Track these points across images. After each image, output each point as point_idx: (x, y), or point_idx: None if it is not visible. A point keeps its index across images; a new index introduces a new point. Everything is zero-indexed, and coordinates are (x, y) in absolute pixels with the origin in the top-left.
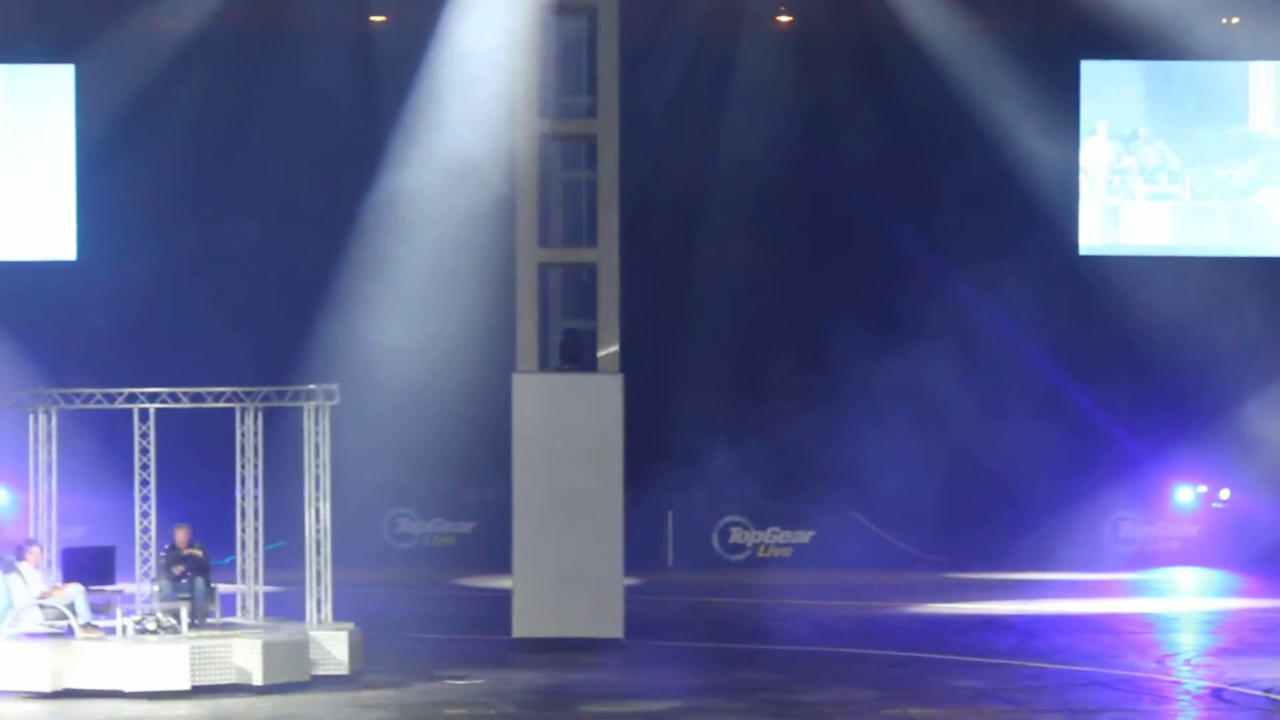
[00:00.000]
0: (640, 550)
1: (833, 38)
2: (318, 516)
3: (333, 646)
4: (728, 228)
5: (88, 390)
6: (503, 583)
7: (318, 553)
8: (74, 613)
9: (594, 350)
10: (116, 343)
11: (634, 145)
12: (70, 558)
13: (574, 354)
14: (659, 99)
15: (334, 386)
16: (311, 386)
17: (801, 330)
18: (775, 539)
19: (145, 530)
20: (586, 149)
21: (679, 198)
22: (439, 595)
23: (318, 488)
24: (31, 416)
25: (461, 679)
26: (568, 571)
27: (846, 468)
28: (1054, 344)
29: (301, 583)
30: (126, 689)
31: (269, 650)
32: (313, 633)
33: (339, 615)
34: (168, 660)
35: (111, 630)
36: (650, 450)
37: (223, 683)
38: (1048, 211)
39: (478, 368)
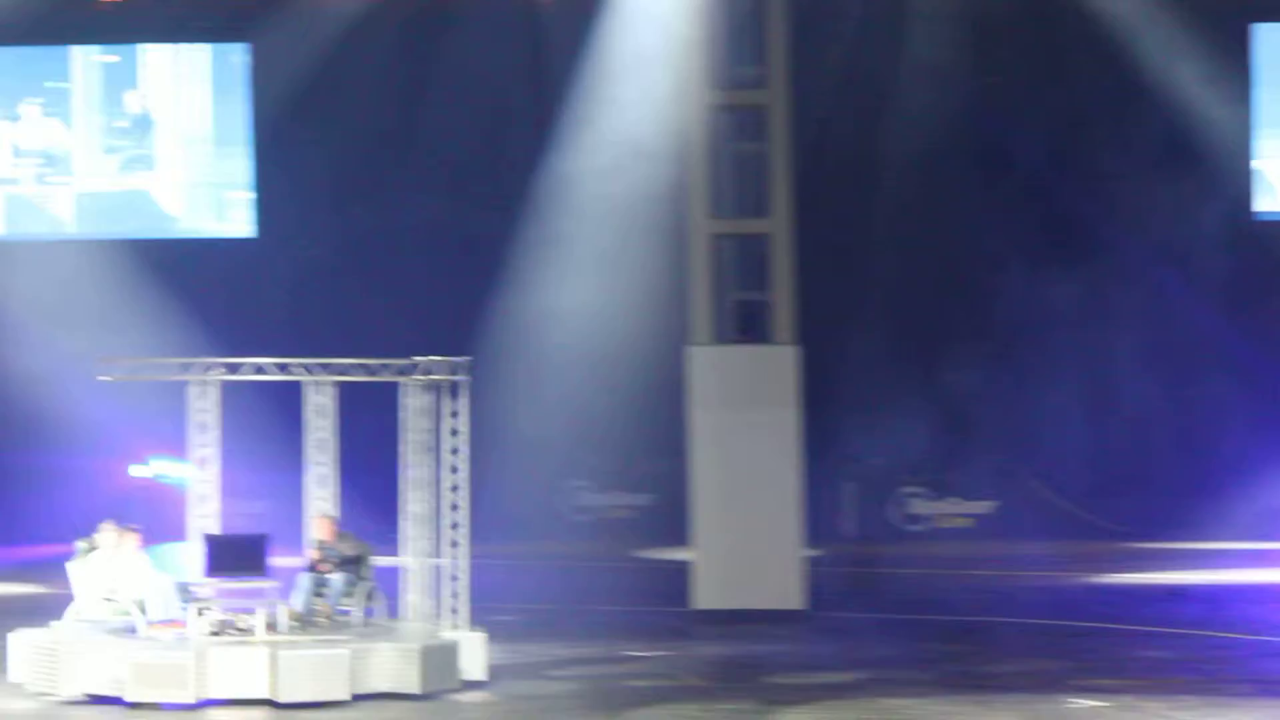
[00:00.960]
0: (819, 522)
1: (1004, 3)
2: (454, 507)
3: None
4: (900, 196)
5: (238, 360)
6: (681, 555)
7: (454, 546)
8: (143, 609)
9: (768, 321)
10: (294, 320)
11: (804, 115)
12: (213, 545)
13: (748, 325)
14: (828, 68)
15: (464, 359)
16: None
17: (977, 299)
18: (956, 509)
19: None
20: (757, 119)
21: (850, 166)
22: (618, 568)
23: (454, 472)
24: (198, 388)
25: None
26: (747, 543)
27: (1027, 437)
28: (1232, 308)
29: (482, 564)
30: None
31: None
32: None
33: (517, 593)
34: (248, 667)
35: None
36: (827, 421)
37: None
38: (1223, 176)
39: (653, 340)
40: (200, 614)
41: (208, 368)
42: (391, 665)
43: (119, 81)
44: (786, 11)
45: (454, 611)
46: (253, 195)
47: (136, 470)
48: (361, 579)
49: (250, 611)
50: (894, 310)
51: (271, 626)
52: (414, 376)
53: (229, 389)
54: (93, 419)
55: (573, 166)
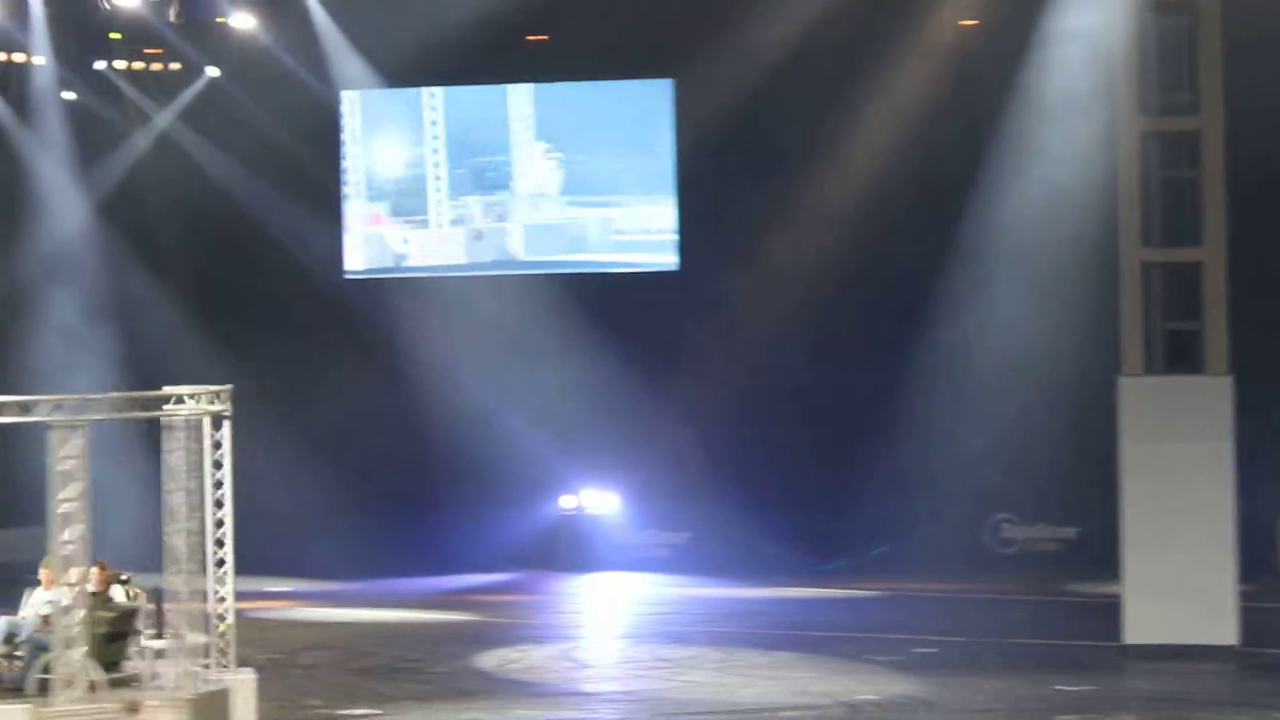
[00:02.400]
0: (1251, 555)
1: None
2: (220, 543)
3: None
4: None
5: None
6: (1108, 588)
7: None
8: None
9: (1200, 351)
10: (716, 350)
11: (1238, 140)
12: None
13: (1180, 356)
14: (1263, 94)
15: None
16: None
17: None
18: None
19: None
20: (1189, 146)
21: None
22: (1043, 601)
23: (219, 507)
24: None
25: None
26: (1179, 577)
27: None
28: None
29: (906, 597)
30: None
31: None
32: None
33: (940, 626)
34: None
35: None
36: (1258, 450)
37: None
38: None
39: (1082, 371)
40: None
41: None
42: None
43: (550, 115)
44: (1220, 36)
45: (222, 652)
46: (675, 227)
47: (567, 502)
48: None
49: None
50: None
51: None
52: (169, 409)
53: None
54: (523, 452)
55: (1002, 214)
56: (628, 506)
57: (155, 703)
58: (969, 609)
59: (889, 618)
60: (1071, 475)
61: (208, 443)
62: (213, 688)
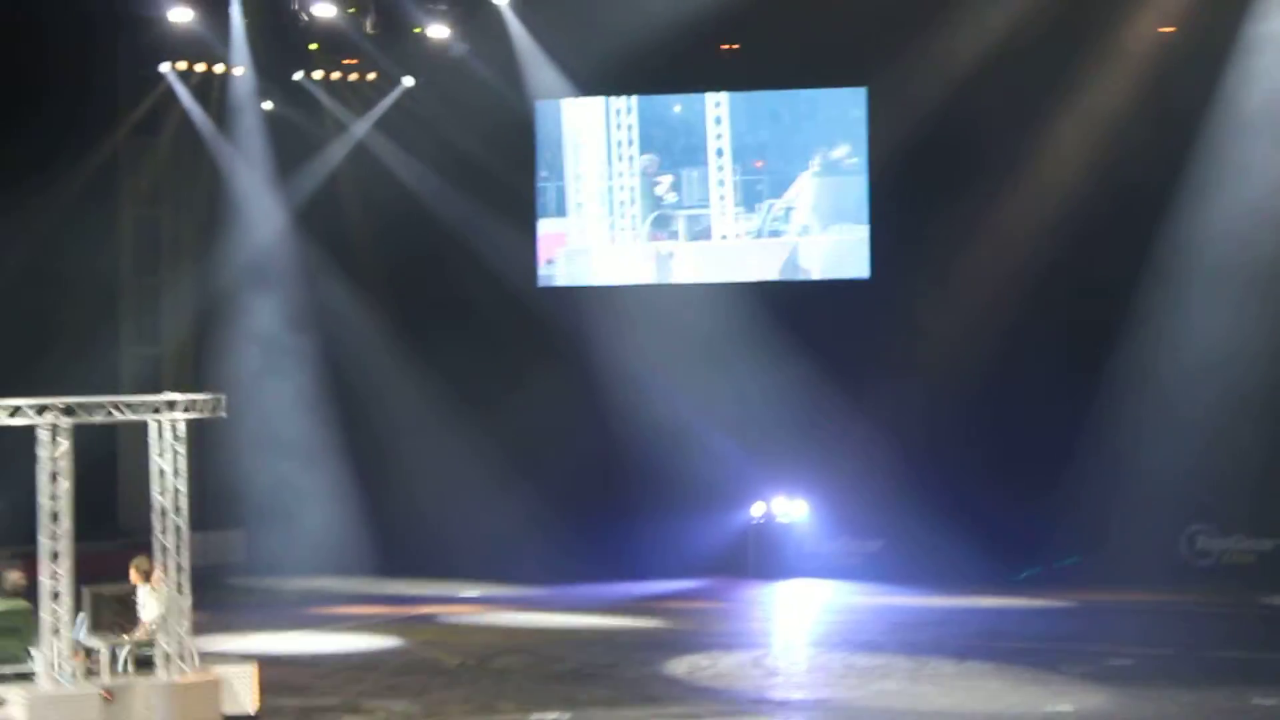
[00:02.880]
0: None
1: None
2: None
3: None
4: None
5: None
6: None
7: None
8: None
9: None
10: (907, 359)
11: None
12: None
13: None
14: None
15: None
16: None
17: None
18: None
19: None
20: None
21: None
22: (1239, 613)
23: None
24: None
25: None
26: None
27: None
28: None
29: (1099, 602)
30: None
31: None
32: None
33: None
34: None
35: None
36: None
37: None
38: None
39: (1277, 383)
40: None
41: None
42: None
43: (743, 124)
44: None
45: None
46: (867, 236)
47: (757, 510)
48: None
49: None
50: None
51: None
52: (169, 415)
53: None
54: (714, 459)
55: (1200, 229)
56: (818, 514)
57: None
58: (1163, 620)
59: (1082, 629)
60: (1268, 488)
61: None
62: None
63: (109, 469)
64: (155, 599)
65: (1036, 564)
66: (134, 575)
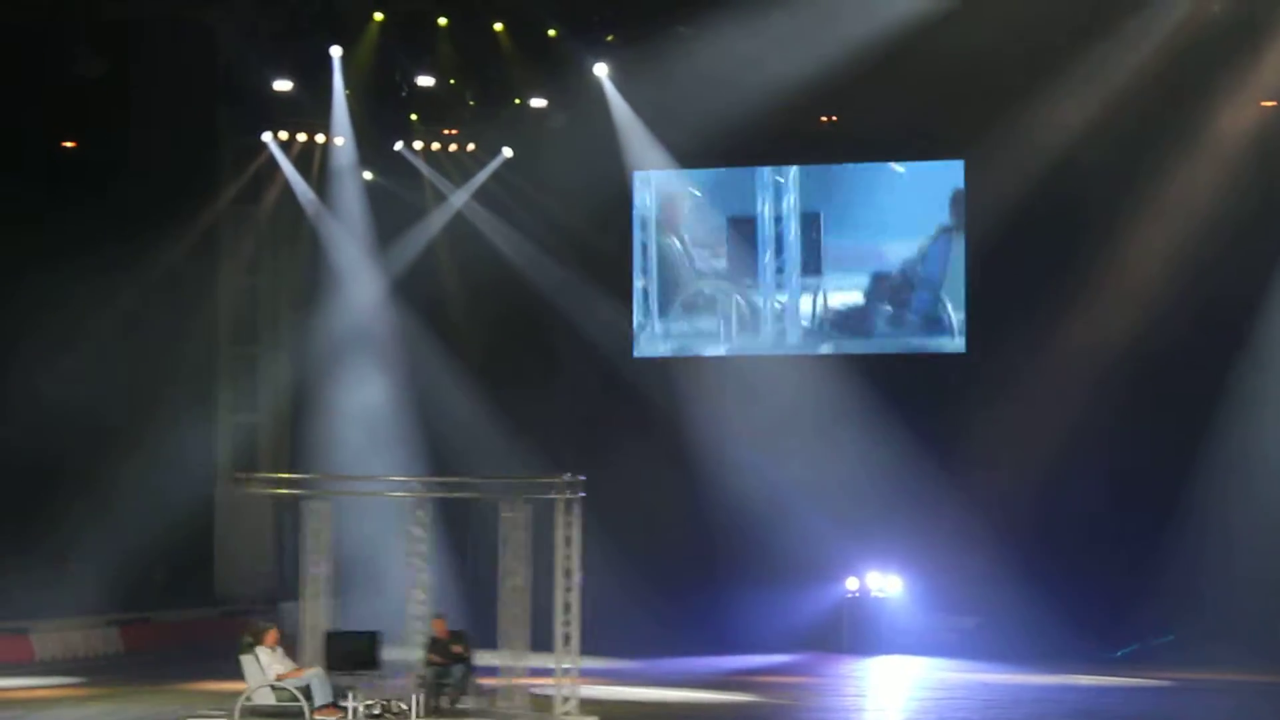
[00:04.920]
0: None
1: None
2: (566, 609)
3: None
4: None
5: None
6: None
7: (566, 644)
8: (306, 696)
9: None
10: (1004, 433)
11: None
12: (332, 641)
13: None
14: None
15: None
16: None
17: None
18: None
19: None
20: None
21: None
22: None
23: (566, 578)
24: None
25: None
26: None
27: None
28: None
29: (1195, 680)
30: None
31: None
32: None
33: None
34: None
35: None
36: None
37: None
38: None
39: None
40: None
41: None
42: None
43: (840, 196)
44: None
45: (565, 699)
46: (963, 308)
47: (852, 584)
48: (470, 671)
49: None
50: None
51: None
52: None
53: None
54: (808, 533)
55: None
56: (912, 589)
57: None
58: (1260, 700)
59: (1178, 707)
60: None
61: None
62: None
63: (205, 542)
64: (274, 658)
65: (1134, 641)
66: (270, 638)
